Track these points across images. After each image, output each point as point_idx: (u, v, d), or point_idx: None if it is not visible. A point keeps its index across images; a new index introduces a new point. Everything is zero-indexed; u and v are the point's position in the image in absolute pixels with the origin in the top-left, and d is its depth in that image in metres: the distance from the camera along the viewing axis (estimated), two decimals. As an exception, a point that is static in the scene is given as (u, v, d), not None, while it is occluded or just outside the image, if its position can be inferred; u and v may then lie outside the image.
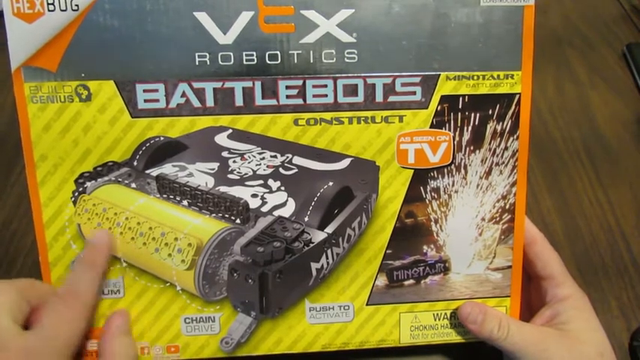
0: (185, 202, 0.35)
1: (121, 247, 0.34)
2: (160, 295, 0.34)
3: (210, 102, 0.33)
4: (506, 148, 0.35)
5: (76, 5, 0.31)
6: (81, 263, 0.33)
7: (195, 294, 0.34)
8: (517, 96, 0.34)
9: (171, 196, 0.35)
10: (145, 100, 0.33)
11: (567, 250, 0.47)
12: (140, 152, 0.33)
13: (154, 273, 0.34)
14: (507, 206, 0.36)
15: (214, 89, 0.33)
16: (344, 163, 0.36)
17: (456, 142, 0.35)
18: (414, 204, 0.35)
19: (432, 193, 0.35)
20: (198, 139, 0.34)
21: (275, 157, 0.37)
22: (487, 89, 0.34)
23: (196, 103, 0.33)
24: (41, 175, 0.33)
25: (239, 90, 0.33)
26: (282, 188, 0.36)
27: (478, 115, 0.34)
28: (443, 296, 0.36)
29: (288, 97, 0.33)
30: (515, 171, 0.35)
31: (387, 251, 0.35)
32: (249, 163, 0.37)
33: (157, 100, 0.33)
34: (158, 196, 0.36)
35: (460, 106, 0.34)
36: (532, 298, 0.38)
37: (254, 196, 0.35)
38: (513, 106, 0.34)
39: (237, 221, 0.34)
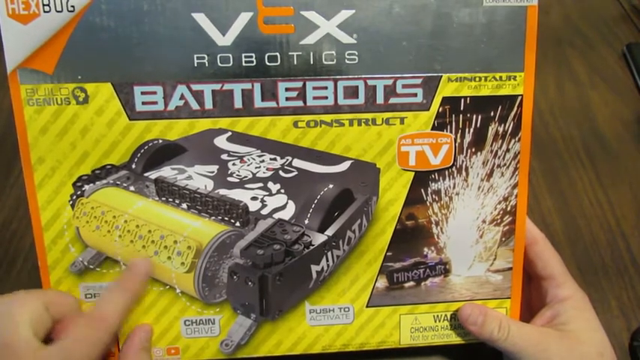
0: (184, 205, 0.35)
1: (120, 250, 0.34)
2: (159, 297, 0.34)
3: (209, 104, 0.32)
4: (507, 150, 0.35)
5: (72, 6, 0.31)
6: (115, 287, 0.32)
7: (194, 296, 0.34)
8: (519, 98, 0.34)
9: (170, 199, 0.35)
10: (143, 103, 0.32)
11: (567, 250, 0.47)
12: (138, 155, 0.33)
13: (153, 276, 0.34)
14: (508, 208, 0.35)
15: (213, 91, 0.32)
16: (344, 166, 0.36)
17: (457, 144, 0.34)
18: (415, 206, 0.35)
19: (433, 196, 0.35)
20: (197, 142, 0.34)
21: (275, 159, 0.37)
22: (489, 91, 0.34)
23: (195, 106, 0.32)
24: (39, 178, 0.33)
25: (238, 92, 0.32)
26: (282, 191, 0.35)
27: (480, 116, 0.34)
28: (443, 298, 0.36)
29: (287, 99, 0.33)
30: (516, 173, 0.35)
31: (388, 253, 0.35)
32: (248, 165, 0.37)
33: (155, 103, 0.32)
34: (157, 199, 0.35)
35: (462, 108, 0.34)
36: (532, 299, 0.38)
37: (254, 198, 0.34)
38: (515, 108, 0.34)
39: (237, 224, 0.34)
